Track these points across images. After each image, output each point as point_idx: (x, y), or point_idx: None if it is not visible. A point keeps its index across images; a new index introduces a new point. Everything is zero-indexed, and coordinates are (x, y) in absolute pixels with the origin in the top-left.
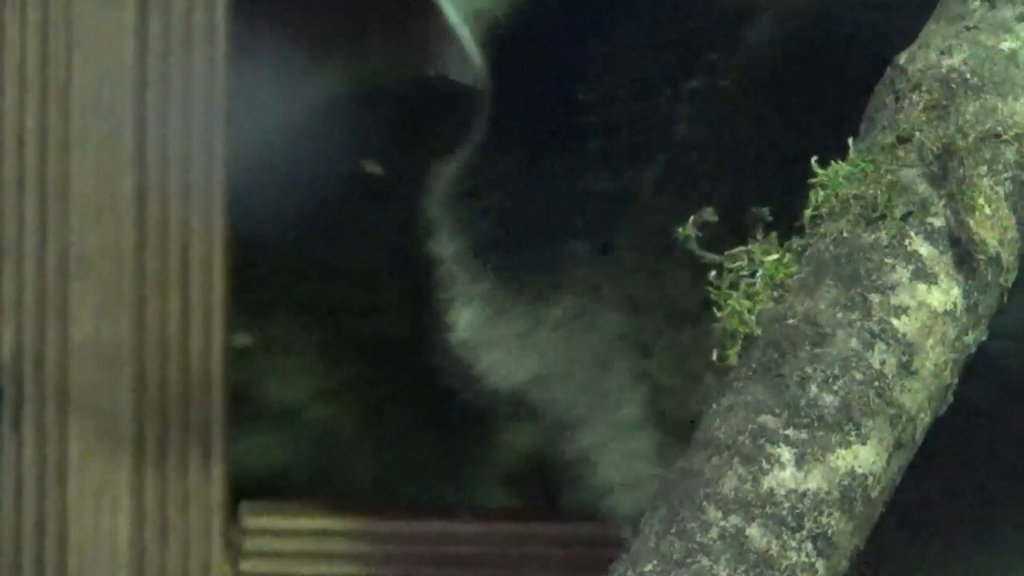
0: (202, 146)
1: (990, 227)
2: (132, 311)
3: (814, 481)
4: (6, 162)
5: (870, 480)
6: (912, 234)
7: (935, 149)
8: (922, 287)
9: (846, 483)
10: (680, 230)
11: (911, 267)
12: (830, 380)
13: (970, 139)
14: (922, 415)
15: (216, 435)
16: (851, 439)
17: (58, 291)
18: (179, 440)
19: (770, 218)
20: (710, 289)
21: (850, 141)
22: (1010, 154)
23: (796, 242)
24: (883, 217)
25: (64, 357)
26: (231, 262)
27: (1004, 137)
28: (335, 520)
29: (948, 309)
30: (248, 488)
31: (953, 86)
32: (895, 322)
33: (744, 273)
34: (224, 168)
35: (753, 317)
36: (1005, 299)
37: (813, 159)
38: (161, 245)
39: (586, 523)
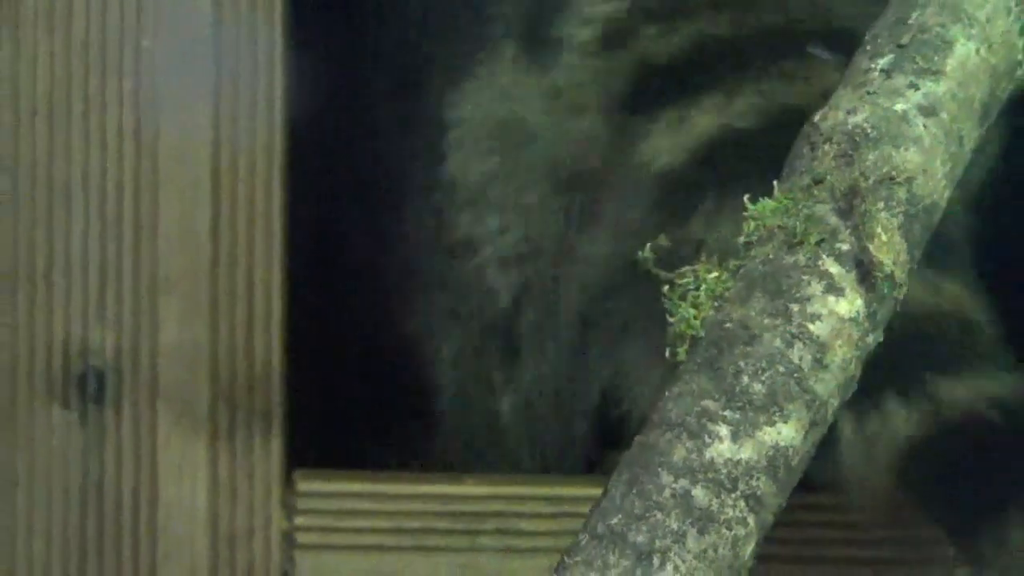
0: (264, 191)
1: (886, 251)
2: (208, 319)
3: (746, 452)
4: (108, 203)
5: (791, 452)
6: (824, 256)
7: (843, 189)
8: (832, 299)
9: (771, 454)
10: (640, 253)
11: (823, 283)
12: (759, 372)
13: (870, 181)
14: (832, 400)
15: (275, 417)
16: (776, 419)
17: (149, 304)
18: (245, 421)
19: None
20: (664, 300)
21: (775, 183)
22: (902, 193)
23: (732, 263)
24: (801, 243)
25: (154, 356)
26: (287, 278)
27: (897, 180)
28: (372, 484)
29: (853, 316)
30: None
31: (857, 139)
32: (811, 326)
33: (691, 287)
34: (283, 207)
35: (698, 322)
36: (897, 308)
37: (745, 197)
38: (230, 266)
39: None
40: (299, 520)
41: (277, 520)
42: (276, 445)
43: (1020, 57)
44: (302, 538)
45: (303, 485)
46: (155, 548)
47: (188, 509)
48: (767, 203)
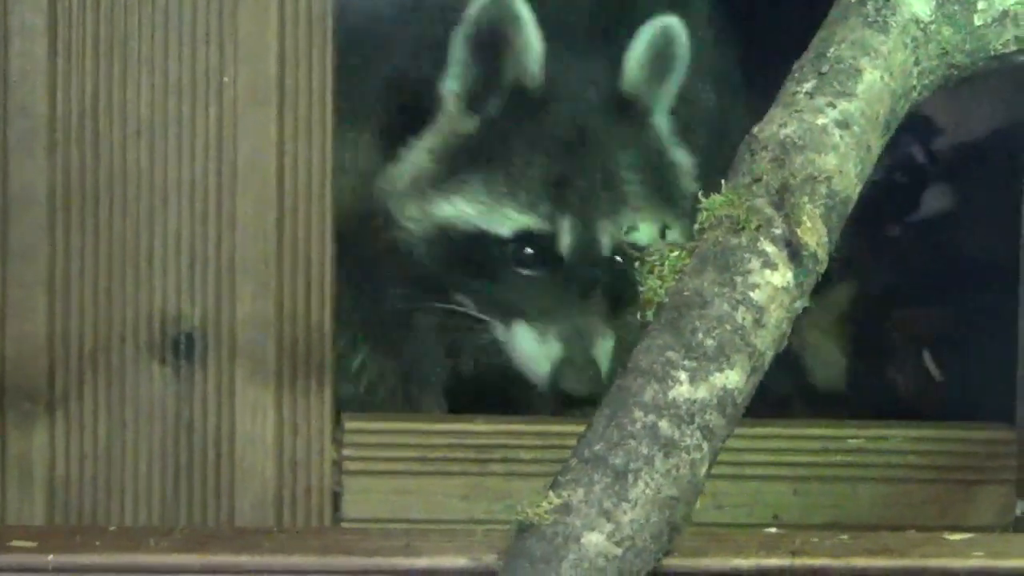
0: (318, 193)
1: (811, 235)
2: (274, 294)
3: (701, 393)
4: (196, 203)
5: (736, 393)
6: (762, 239)
7: (776, 186)
8: (768, 272)
9: (721, 394)
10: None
11: (761, 260)
12: (711, 330)
13: (798, 179)
14: (768, 352)
15: (327, 370)
16: (724, 367)
17: (228, 282)
18: (304, 374)
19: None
20: (636, 273)
21: (723, 182)
22: (823, 189)
23: (689, 244)
24: (744, 228)
25: (232, 323)
26: (336, 263)
27: (819, 179)
28: (403, 423)
29: (784, 286)
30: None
31: (787, 146)
32: (751, 294)
33: (657, 263)
34: (332, 206)
35: (663, 291)
36: (819, 279)
37: (699, 192)
38: (292, 252)
39: None
40: (346, 451)
41: (329, 451)
42: (328, 393)
43: (914, 83)
44: (348, 465)
45: (349, 424)
46: (233, 473)
47: (259, 443)
48: (716, 197)
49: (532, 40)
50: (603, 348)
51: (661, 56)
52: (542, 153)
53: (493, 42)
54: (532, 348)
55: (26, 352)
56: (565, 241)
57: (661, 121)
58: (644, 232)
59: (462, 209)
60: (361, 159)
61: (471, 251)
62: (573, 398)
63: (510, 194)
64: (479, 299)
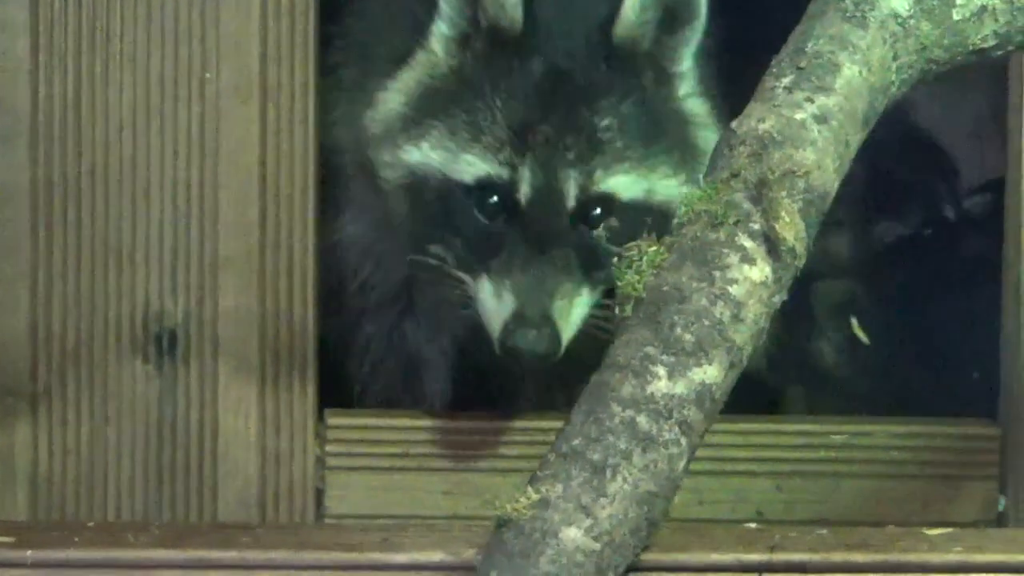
0: (300, 189)
1: (789, 229)
2: (256, 290)
3: (679, 388)
4: (179, 199)
5: (714, 388)
6: (740, 234)
7: (754, 181)
8: (746, 267)
9: (699, 390)
10: (595, 232)
11: (739, 254)
12: (689, 325)
13: (776, 175)
14: (747, 347)
15: (309, 366)
16: (702, 362)
17: (211, 278)
18: (286, 370)
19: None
20: (615, 268)
21: (701, 177)
22: (801, 184)
23: (668, 239)
24: (722, 223)
25: (215, 319)
26: (318, 260)
27: (797, 173)
28: (386, 419)
29: (763, 280)
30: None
31: (765, 142)
32: (730, 289)
33: (635, 259)
34: (314, 203)
35: (641, 286)
36: (798, 274)
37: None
38: (274, 248)
39: None
40: (329, 447)
41: (311, 447)
42: (310, 389)
43: (893, 78)
44: (331, 461)
45: (332, 420)
46: (216, 469)
47: (241, 439)
48: (695, 192)
49: None
50: (562, 306)
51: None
52: (511, 98)
53: None
54: (491, 304)
55: (8, 348)
56: (524, 190)
57: (672, 72)
58: (629, 187)
59: (428, 155)
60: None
61: (438, 201)
62: (524, 357)
63: (473, 139)
64: (453, 252)
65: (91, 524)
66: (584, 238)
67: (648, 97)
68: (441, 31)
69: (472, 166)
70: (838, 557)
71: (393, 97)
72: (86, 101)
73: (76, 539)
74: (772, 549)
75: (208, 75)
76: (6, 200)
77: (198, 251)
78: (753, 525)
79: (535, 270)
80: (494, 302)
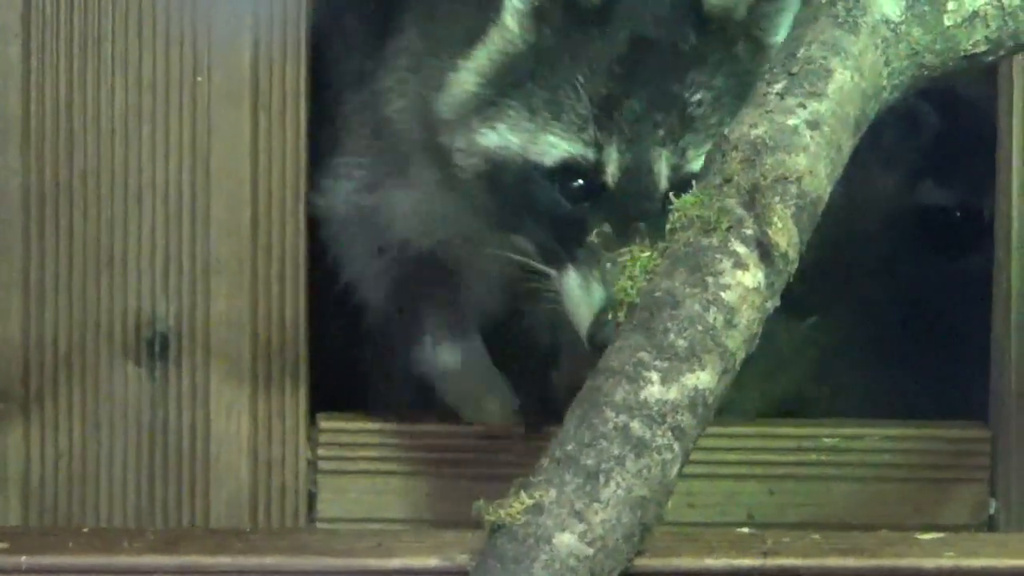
0: (292, 194)
1: (781, 235)
2: (248, 293)
3: (672, 393)
4: (171, 203)
5: (707, 393)
6: (733, 239)
7: (747, 187)
8: (739, 272)
9: (692, 395)
10: (588, 238)
11: (732, 260)
12: (682, 330)
13: (769, 180)
14: (739, 352)
15: (301, 370)
16: (695, 368)
17: (203, 282)
18: (278, 374)
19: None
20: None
21: (694, 182)
22: (793, 189)
23: (661, 245)
24: (715, 229)
25: (206, 322)
26: (308, 265)
27: (790, 179)
28: (378, 423)
29: (755, 286)
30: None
31: (758, 147)
32: (723, 294)
33: (629, 264)
34: (305, 207)
35: (634, 291)
36: (790, 279)
37: (671, 194)
38: (266, 252)
39: None
40: (321, 451)
41: (304, 451)
42: (302, 392)
43: (884, 83)
44: (323, 465)
45: (324, 424)
46: (208, 473)
47: (233, 443)
48: (688, 198)
49: None
50: None
51: None
52: (593, 72)
53: None
54: (577, 295)
55: (2, 352)
56: (611, 171)
57: (768, 43)
58: None
59: (506, 137)
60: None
61: (519, 186)
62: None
63: (554, 118)
64: (536, 243)
65: (86, 530)
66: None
67: (743, 70)
68: (514, 4)
69: (554, 147)
70: (831, 562)
71: (466, 77)
72: (78, 105)
73: (71, 544)
74: (765, 554)
75: (200, 79)
76: None
77: (190, 255)
78: (746, 530)
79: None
80: (581, 294)
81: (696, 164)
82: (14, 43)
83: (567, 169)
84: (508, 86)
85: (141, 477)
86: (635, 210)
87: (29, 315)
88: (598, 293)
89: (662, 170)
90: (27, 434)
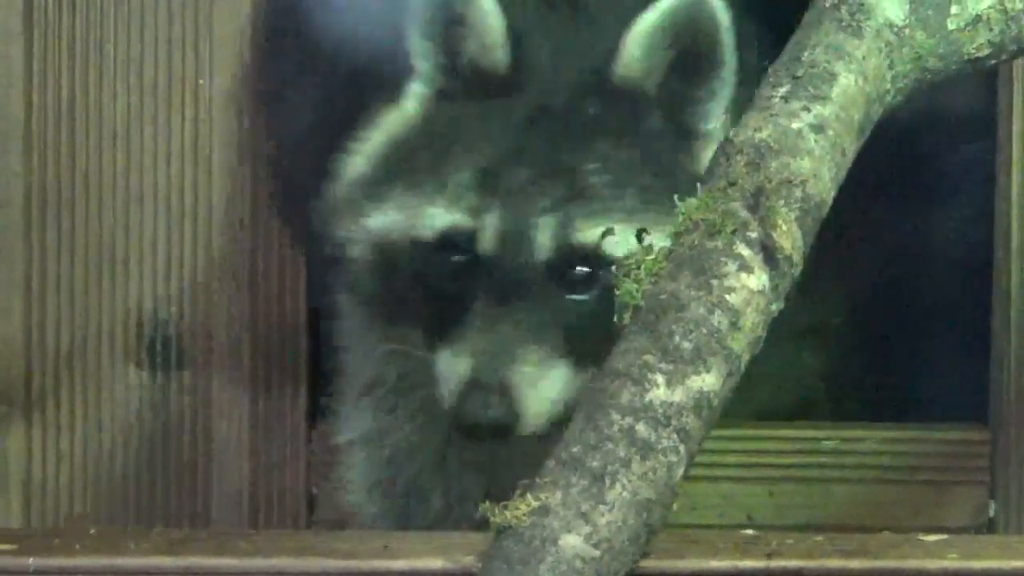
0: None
1: (786, 238)
2: (250, 296)
3: (678, 396)
4: (172, 206)
5: (712, 396)
6: (737, 242)
7: (751, 190)
8: (744, 275)
9: (697, 397)
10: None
11: (737, 263)
12: (687, 333)
13: (773, 183)
14: (744, 355)
15: (301, 372)
16: (700, 370)
17: (205, 285)
18: (279, 376)
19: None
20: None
21: (699, 185)
22: (798, 192)
23: (666, 248)
24: (719, 232)
25: (208, 324)
26: (306, 268)
27: (794, 182)
28: None
29: (760, 289)
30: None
31: (762, 151)
32: (727, 297)
33: (633, 267)
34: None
35: (639, 294)
36: (795, 281)
37: (675, 196)
38: (267, 255)
39: None
40: (321, 453)
41: (304, 453)
42: (303, 394)
43: (888, 87)
44: (323, 467)
45: (324, 426)
46: (209, 474)
47: (234, 444)
48: (692, 201)
49: (490, 17)
50: (529, 374)
51: (683, 38)
52: (482, 141)
53: (449, 22)
54: (445, 373)
55: (2, 354)
56: (486, 238)
57: (697, 130)
58: (623, 243)
59: (392, 217)
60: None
61: (405, 269)
62: (477, 428)
63: (437, 190)
64: (421, 329)
65: (92, 531)
66: (563, 299)
67: (658, 150)
68: (416, 90)
69: (435, 218)
70: (835, 563)
71: (358, 161)
72: (80, 108)
73: (77, 546)
74: (769, 556)
75: (201, 82)
76: (0, 207)
77: (191, 257)
78: (750, 532)
79: (496, 330)
80: (448, 369)
81: (588, 236)
82: (16, 45)
83: (448, 242)
84: (398, 163)
85: (142, 478)
86: (512, 282)
87: (31, 317)
88: (464, 366)
89: (543, 239)
90: (29, 435)
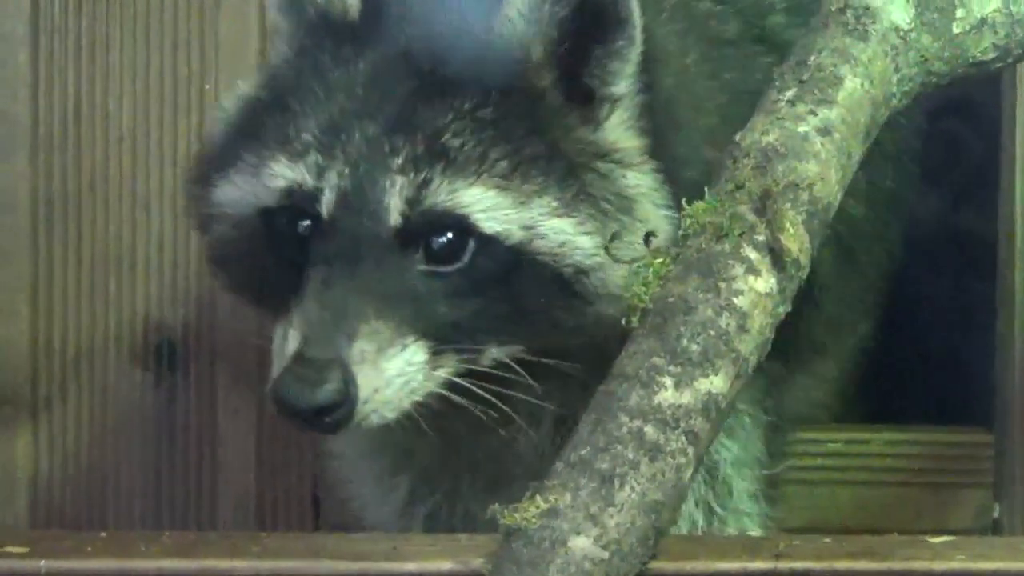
0: None
1: (793, 241)
2: None
3: (686, 398)
4: (177, 209)
5: (720, 398)
6: (745, 245)
7: (758, 193)
8: (751, 278)
9: (705, 399)
10: (606, 246)
11: (744, 266)
12: (695, 335)
13: (780, 187)
14: (752, 357)
15: None
16: (708, 372)
17: (210, 288)
18: None
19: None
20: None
21: (706, 189)
22: (804, 196)
23: (673, 250)
24: (727, 235)
25: (212, 329)
26: None
27: (801, 185)
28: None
29: (767, 291)
30: None
31: (769, 154)
32: (735, 300)
33: (642, 270)
34: None
35: (648, 297)
36: (801, 284)
37: (683, 200)
38: None
39: None
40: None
41: (310, 456)
42: None
43: (894, 90)
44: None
45: None
46: (215, 478)
47: (240, 448)
48: (700, 204)
49: None
50: (367, 352)
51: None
52: (328, 95)
53: None
54: (278, 346)
55: (9, 357)
56: (327, 198)
57: (598, 93)
58: (490, 210)
59: (238, 185)
60: None
61: (255, 242)
62: (293, 412)
63: (280, 147)
64: (275, 306)
65: (103, 534)
66: (417, 271)
67: (542, 112)
68: (278, 48)
69: (277, 177)
70: (842, 565)
71: (214, 131)
72: (86, 112)
73: (89, 549)
74: (777, 557)
75: (207, 86)
76: (6, 210)
77: (197, 261)
78: (758, 533)
79: (334, 302)
80: (278, 346)
81: (446, 199)
82: (23, 50)
83: (291, 204)
84: (246, 128)
85: (148, 481)
86: (355, 248)
87: (37, 320)
88: (293, 344)
89: (393, 201)
90: (35, 438)
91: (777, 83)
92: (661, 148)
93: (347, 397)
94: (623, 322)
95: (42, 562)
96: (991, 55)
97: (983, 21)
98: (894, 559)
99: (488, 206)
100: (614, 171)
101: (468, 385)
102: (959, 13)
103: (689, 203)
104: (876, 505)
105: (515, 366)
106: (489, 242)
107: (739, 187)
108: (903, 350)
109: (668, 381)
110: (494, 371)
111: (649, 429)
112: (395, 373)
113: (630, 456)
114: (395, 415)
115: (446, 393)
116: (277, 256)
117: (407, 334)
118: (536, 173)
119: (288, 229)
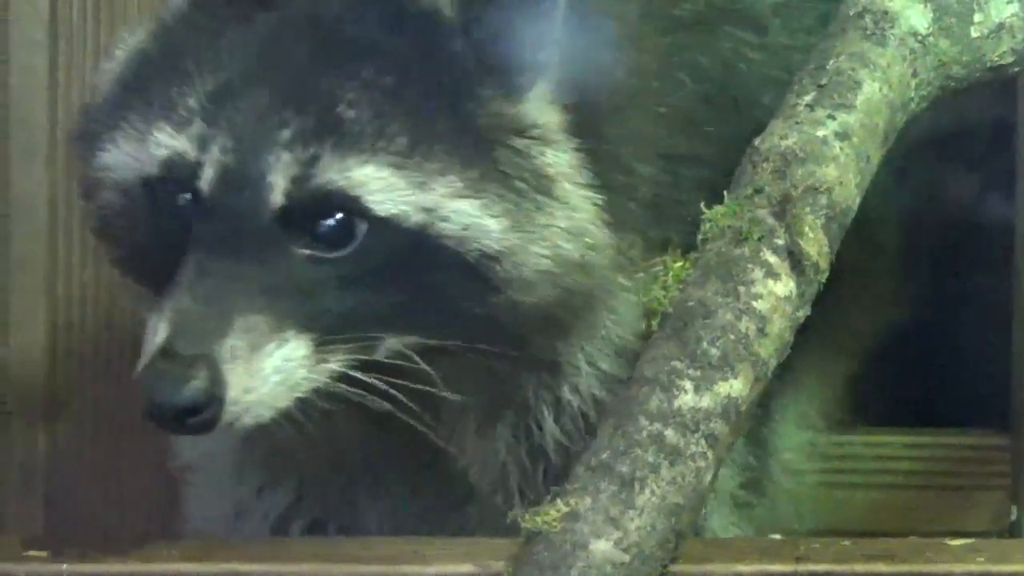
0: None
1: (812, 245)
2: None
3: (706, 402)
4: None
5: (740, 401)
6: (764, 249)
7: (777, 197)
8: (771, 282)
9: (725, 403)
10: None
11: (764, 270)
12: (715, 339)
13: (799, 191)
14: (771, 360)
15: None
16: (728, 376)
17: None
18: None
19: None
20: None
21: (725, 193)
22: (823, 200)
23: (693, 255)
24: (746, 239)
25: None
26: None
27: (820, 190)
28: None
29: (787, 295)
30: None
31: (788, 158)
32: (754, 304)
33: (661, 273)
34: None
35: (667, 301)
36: (820, 288)
37: (702, 203)
38: None
39: None
40: None
41: None
42: None
43: (912, 94)
44: None
45: None
46: None
47: None
48: (719, 209)
49: None
50: (238, 347)
51: None
52: (217, 60)
53: None
54: (148, 339)
55: (26, 361)
56: (207, 173)
57: (513, 63)
58: (386, 190)
59: (122, 148)
60: None
61: (139, 213)
62: (160, 409)
63: (164, 114)
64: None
65: (124, 538)
66: (302, 257)
67: (453, 80)
68: (176, 4)
69: (159, 146)
70: (862, 568)
71: (105, 88)
72: None
73: (110, 552)
74: (797, 560)
75: None
76: (24, 214)
77: None
78: (777, 536)
79: (206, 291)
80: (148, 338)
81: (336, 176)
82: (40, 55)
83: (173, 178)
84: (132, 84)
85: (167, 485)
86: (232, 230)
87: (55, 324)
88: (160, 336)
89: (277, 178)
90: (53, 443)
91: (795, 87)
92: (587, 125)
93: (213, 397)
94: (643, 326)
95: (64, 566)
96: (1009, 59)
97: (1001, 26)
98: (914, 562)
99: (382, 186)
100: (531, 148)
101: (363, 378)
102: (977, 18)
103: (709, 208)
104: (893, 508)
105: (415, 356)
106: (383, 225)
107: (758, 191)
108: (920, 353)
109: (688, 385)
110: (393, 362)
111: (669, 432)
112: (270, 371)
113: (650, 460)
114: (271, 414)
115: (340, 387)
116: (158, 231)
117: (287, 327)
118: (440, 149)
119: (169, 202)
